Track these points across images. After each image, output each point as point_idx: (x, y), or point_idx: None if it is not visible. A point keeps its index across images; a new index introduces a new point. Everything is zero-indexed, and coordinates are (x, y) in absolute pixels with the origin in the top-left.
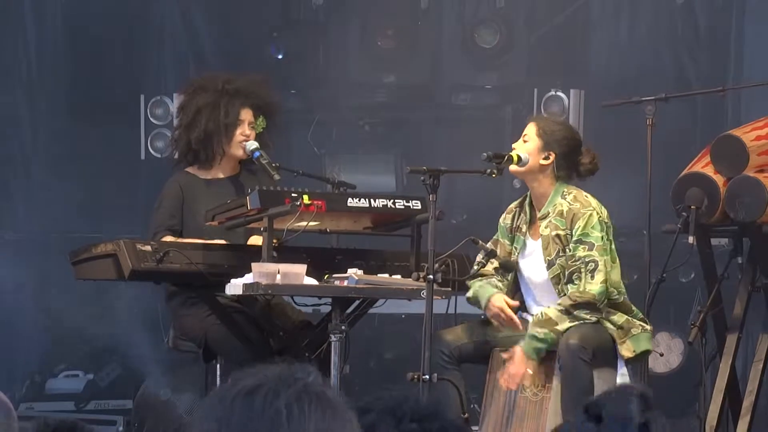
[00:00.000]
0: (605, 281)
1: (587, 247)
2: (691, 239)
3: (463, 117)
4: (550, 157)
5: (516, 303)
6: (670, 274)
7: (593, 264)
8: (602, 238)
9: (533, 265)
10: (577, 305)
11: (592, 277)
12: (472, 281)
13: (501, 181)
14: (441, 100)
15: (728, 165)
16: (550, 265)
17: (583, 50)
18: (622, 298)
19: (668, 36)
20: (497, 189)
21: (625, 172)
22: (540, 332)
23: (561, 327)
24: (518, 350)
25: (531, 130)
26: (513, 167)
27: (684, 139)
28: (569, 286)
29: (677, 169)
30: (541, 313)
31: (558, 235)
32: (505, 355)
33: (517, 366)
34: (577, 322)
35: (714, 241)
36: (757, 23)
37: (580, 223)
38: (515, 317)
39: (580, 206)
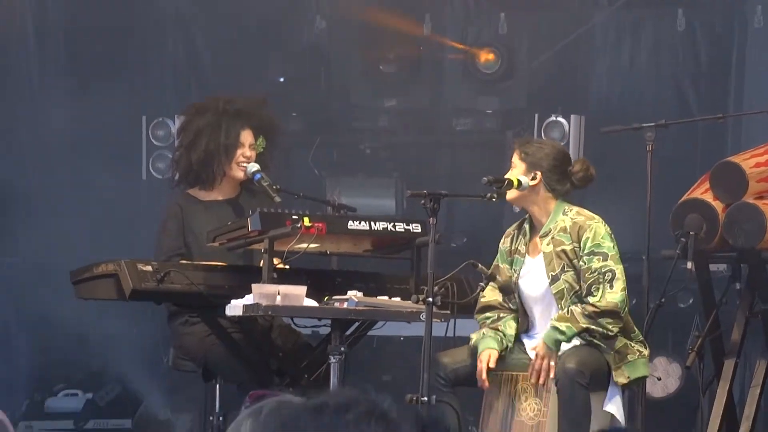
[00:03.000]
0: (624, 289)
1: (601, 257)
2: (689, 265)
3: (464, 141)
4: (537, 176)
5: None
6: (668, 299)
7: (611, 273)
8: (613, 247)
9: (532, 281)
10: (602, 313)
11: (611, 286)
12: (482, 320)
13: (501, 205)
14: (442, 125)
15: (727, 191)
16: (554, 280)
17: (584, 76)
18: (625, 315)
19: (669, 63)
20: (497, 213)
21: (625, 197)
22: (562, 325)
23: (583, 325)
24: (542, 344)
25: (515, 157)
26: (510, 194)
27: (683, 166)
28: (589, 298)
29: (676, 195)
30: (568, 310)
31: (564, 251)
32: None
33: (541, 359)
34: (599, 329)
35: (712, 267)
36: (758, 50)
37: (588, 235)
38: (484, 376)
39: (584, 219)
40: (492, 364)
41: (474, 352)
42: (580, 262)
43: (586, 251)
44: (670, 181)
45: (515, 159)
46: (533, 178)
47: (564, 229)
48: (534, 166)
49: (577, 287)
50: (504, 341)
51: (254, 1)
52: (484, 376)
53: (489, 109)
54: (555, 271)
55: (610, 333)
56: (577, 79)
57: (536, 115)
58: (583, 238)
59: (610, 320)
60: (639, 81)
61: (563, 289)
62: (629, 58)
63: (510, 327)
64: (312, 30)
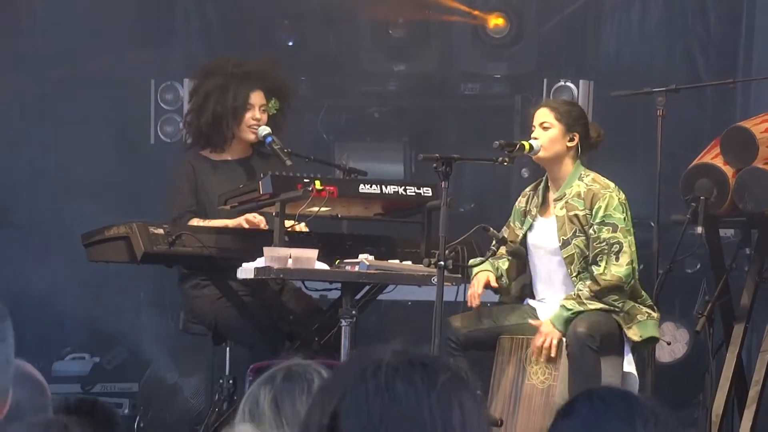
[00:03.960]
0: (631, 262)
1: (611, 228)
2: (699, 229)
3: (472, 106)
4: (575, 138)
5: (495, 285)
6: (675, 265)
7: (618, 246)
8: (624, 219)
9: (541, 240)
10: (606, 290)
11: (617, 258)
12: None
13: (509, 170)
14: (450, 89)
15: (738, 156)
16: (564, 244)
17: (593, 41)
18: (634, 281)
19: (679, 28)
20: (505, 178)
21: (633, 162)
22: (570, 304)
23: (590, 306)
24: (546, 322)
25: (548, 116)
26: (540, 155)
27: (692, 131)
28: (593, 267)
29: (684, 160)
30: (574, 292)
31: (576, 215)
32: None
33: (544, 336)
34: (606, 307)
35: (721, 232)
36: (767, 14)
37: (601, 204)
38: (477, 294)
39: (599, 187)
40: (483, 288)
41: (484, 316)
42: (590, 230)
43: (597, 220)
44: (678, 146)
45: (550, 118)
46: (571, 140)
47: (578, 195)
48: (572, 127)
49: (588, 253)
50: (500, 271)
51: None
52: (478, 294)
53: (497, 73)
54: (567, 235)
55: (617, 309)
56: (586, 44)
57: (545, 80)
58: (596, 207)
59: (615, 296)
60: (648, 46)
61: (574, 254)
62: (638, 23)
63: (504, 264)
64: None
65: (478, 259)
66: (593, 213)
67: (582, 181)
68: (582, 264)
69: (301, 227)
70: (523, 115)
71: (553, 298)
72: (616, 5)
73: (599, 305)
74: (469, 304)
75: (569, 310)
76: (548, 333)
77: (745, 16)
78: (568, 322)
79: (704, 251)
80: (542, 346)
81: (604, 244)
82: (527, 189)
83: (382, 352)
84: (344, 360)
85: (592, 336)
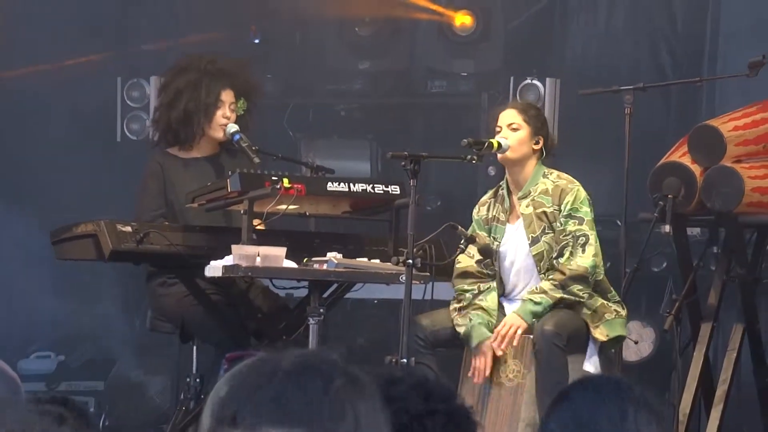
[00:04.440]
0: (596, 255)
1: (577, 221)
2: (667, 228)
3: (439, 104)
4: (540, 141)
5: (499, 354)
6: (642, 263)
7: (584, 238)
8: (590, 212)
9: (514, 248)
10: (570, 278)
11: (584, 251)
12: (460, 293)
13: (475, 168)
14: (417, 87)
15: (706, 155)
16: (534, 242)
17: (560, 39)
18: (602, 277)
19: (644, 26)
20: (471, 176)
21: (600, 161)
22: (536, 297)
23: (556, 295)
24: (511, 314)
25: (517, 118)
26: (507, 155)
27: (657, 130)
28: (559, 259)
29: (650, 159)
30: (536, 286)
31: (544, 212)
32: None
33: (508, 327)
34: (570, 297)
35: (687, 231)
36: (732, 14)
37: (568, 198)
38: (488, 373)
39: (566, 182)
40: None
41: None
42: (556, 224)
43: (564, 213)
44: (644, 144)
45: (518, 120)
46: (536, 143)
47: (545, 192)
48: (538, 131)
49: (556, 249)
50: (490, 323)
51: None
52: (488, 373)
53: (464, 71)
54: (535, 233)
55: (581, 299)
56: (552, 41)
57: (512, 78)
58: (564, 201)
59: (579, 286)
60: (614, 44)
61: (543, 251)
62: (605, 22)
63: (492, 300)
64: None
65: (468, 319)
66: (562, 207)
67: (547, 178)
68: (550, 262)
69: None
70: (489, 113)
71: (524, 290)
72: (582, 4)
73: (563, 295)
74: (475, 381)
75: (536, 303)
76: (512, 323)
77: (710, 16)
78: (535, 315)
79: (670, 250)
80: (506, 334)
81: (570, 236)
82: (485, 198)
83: (283, 357)
84: (245, 363)
85: (559, 334)
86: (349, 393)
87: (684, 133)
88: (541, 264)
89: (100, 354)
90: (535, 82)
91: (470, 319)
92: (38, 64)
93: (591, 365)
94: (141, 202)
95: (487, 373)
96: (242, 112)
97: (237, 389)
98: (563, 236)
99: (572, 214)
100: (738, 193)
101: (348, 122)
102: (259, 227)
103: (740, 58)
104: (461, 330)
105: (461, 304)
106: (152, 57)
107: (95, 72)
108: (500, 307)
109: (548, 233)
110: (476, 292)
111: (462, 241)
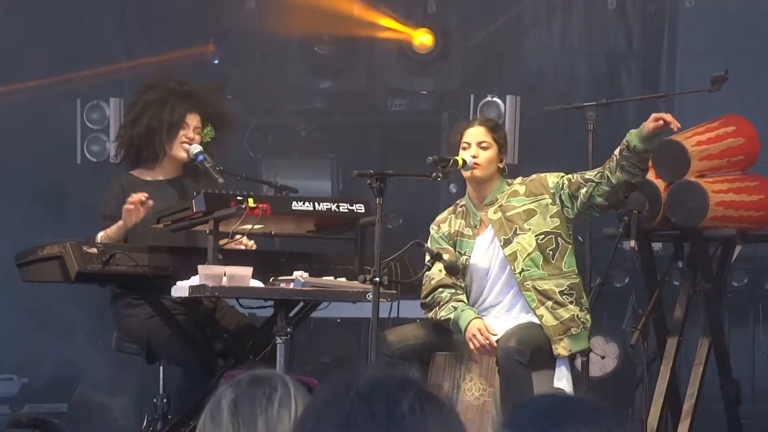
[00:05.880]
0: None
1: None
2: (632, 243)
3: (399, 122)
4: (504, 159)
5: (496, 334)
6: (607, 278)
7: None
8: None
9: (486, 259)
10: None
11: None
12: (438, 295)
13: (437, 186)
14: (377, 106)
15: (670, 170)
16: (506, 243)
17: (518, 57)
18: (579, 279)
19: (600, 42)
20: (433, 194)
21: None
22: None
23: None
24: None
25: (487, 136)
26: (475, 173)
27: (616, 145)
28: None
29: None
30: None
31: (518, 213)
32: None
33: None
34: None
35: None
36: (689, 30)
37: (551, 177)
38: (492, 340)
39: (534, 176)
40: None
41: (421, 331)
42: (565, 181)
43: (559, 184)
44: (604, 159)
45: (488, 138)
46: (501, 161)
47: (515, 194)
48: (503, 149)
49: (530, 249)
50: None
51: None
52: (487, 334)
53: (424, 90)
54: (507, 234)
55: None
56: (511, 59)
57: (472, 96)
58: (551, 182)
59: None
60: (571, 60)
61: (516, 251)
62: (560, 38)
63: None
64: (243, 11)
65: (451, 307)
66: (555, 186)
67: (512, 185)
68: (527, 261)
69: (251, 244)
70: (449, 131)
71: (497, 300)
72: (538, 21)
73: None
74: (489, 353)
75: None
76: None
77: (666, 30)
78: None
79: (633, 266)
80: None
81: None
82: (441, 216)
83: (355, 376)
84: (321, 385)
85: (522, 351)
86: (423, 413)
87: None
88: (515, 264)
89: (63, 376)
90: (496, 99)
91: (454, 307)
92: None
93: (563, 381)
94: (101, 225)
95: (493, 342)
96: (209, 140)
97: (311, 413)
98: (581, 176)
99: (564, 174)
100: (702, 207)
101: (308, 141)
102: (226, 247)
103: (697, 75)
104: (449, 317)
105: (442, 301)
106: (111, 79)
107: (54, 94)
108: None
109: (519, 234)
110: (454, 292)
111: (428, 259)
